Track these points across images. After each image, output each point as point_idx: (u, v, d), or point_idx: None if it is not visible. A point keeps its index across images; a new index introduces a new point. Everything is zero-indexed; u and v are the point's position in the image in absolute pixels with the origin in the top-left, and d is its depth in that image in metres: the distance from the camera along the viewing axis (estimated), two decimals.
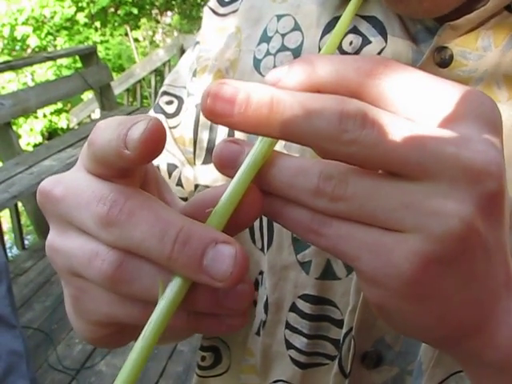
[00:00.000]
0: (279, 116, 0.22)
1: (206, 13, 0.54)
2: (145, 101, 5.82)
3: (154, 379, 2.10)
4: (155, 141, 0.22)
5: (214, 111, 0.22)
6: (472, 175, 0.21)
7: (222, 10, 0.52)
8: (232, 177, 0.25)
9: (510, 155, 0.35)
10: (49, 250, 0.27)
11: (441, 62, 0.38)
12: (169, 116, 0.56)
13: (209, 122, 0.50)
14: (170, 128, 0.55)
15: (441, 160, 0.21)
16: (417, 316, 0.24)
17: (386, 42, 0.41)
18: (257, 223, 0.47)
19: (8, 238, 3.52)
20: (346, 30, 0.30)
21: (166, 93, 0.57)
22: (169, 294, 0.23)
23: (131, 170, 0.26)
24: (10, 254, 3.19)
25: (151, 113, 0.57)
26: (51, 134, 7.09)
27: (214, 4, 0.53)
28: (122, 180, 0.25)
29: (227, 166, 0.25)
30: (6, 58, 7.17)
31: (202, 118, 0.51)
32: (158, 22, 8.78)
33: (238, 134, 0.48)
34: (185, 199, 0.54)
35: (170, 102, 0.56)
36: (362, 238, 0.22)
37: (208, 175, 0.51)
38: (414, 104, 0.23)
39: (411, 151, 0.22)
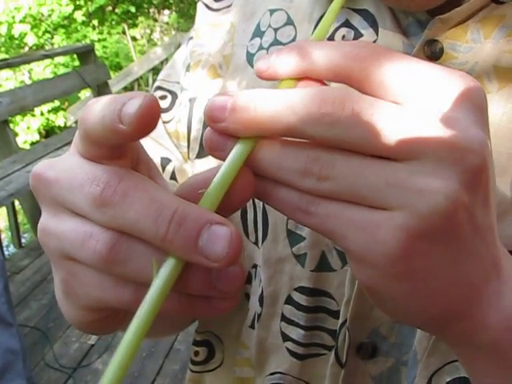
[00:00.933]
0: (263, 115, 0.23)
1: (199, 8, 0.54)
2: None
3: (151, 377, 2.10)
4: (151, 116, 0.23)
5: (211, 117, 0.25)
6: (455, 153, 0.22)
7: (215, 5, 0.53)
8: (223, 159, 0.25)
9: (500, 145, 0.36)
10: (41, 234, 0.28)
11: (431, 55, 0.39)
12: (162, 111, 0.56)
13: (203, 116, 0.50)
14: (164, 122, 0.55)
15: (425, 140, 0.22)
16: (406, 296, 0.24)
17: (377, 34, 0.42)
18: (250, 216, 0.47)
19: (5, 237, 3.52)
20: (335, 20, 0.31)
21: (159, 88, 0.57)
22: (163, 273, 0.23)
23: (123, 150, 0.26)
24: (6, 253, 3.18)
25: None
26: (48, 132, 7.07)
27: None
28: (114, 162, 0.26)
29: (217, 149, 0.26)
30: (3, 55, 7.16)
31: (195, 112, 0.51)
32: (155, 20, 8.77)
33: None
34: None
35: (163, 97, 0.56)
36: (349, 216, 0.23)
37: (202, 169, 0.51)
38: (399, 86, 0.23)
39: (394, 132, 0.22)
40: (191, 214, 0.23)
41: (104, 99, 0.24)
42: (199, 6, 0.54)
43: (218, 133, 0.25)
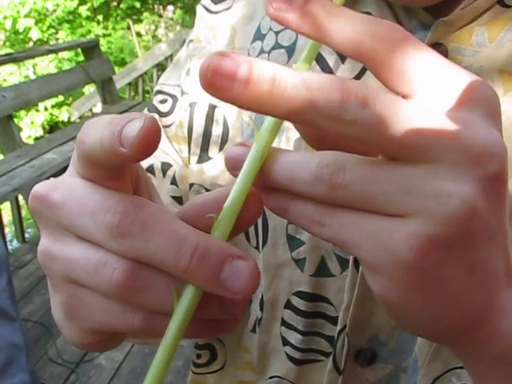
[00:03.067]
0: (281, 92, 0.21)
1: (199, 11, 0.54)
2: (146, 95, 5.81)
3: None
4: (152, 138, 0.22)
5: (214, 85, 0.21)
6: (473, 157, 0.21)
7: (214, 8, 0.52)
8: None
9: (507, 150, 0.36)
10: (43, 256, 0.27)
11: None
12: (163, 115, 0.56)
13: (204, 121, 0.50)
14: (164, 127, 0.55)
15: (441, 142, 0.21)
16: (421, 307, 0.23)
17: None
18: None
19: (8, 231, 3.52)
20: None
21: (160, 92, 0.57)
22: (184, 301, 0.24)
23: (122, 171, 0.26)
24: (10, 247, 3.19)
25: (145, 112, 0.57)
26: (52, 127, 7.09)
27: (207, 2, 0.53)
28: (114, 182, 0.25)
29: (237, 168, 0.25)
30: (7, 50, 7.17)
31: (196, 116, 0.51)
32: (160, 16, 8.77)
33: (234, 132, 0.48)
34: (179, 198, 0.54)
35: (163, 101, 0.56)
36: (362, 225, 0.22)
37: (203, 174, 0.51)
38: (420, 82, 0.23)
39: (411, 132, 0.21)
40: (213, 248, 0.23)
41: (102, 120, 0.24)
42: (198, 8, 0.54)
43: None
